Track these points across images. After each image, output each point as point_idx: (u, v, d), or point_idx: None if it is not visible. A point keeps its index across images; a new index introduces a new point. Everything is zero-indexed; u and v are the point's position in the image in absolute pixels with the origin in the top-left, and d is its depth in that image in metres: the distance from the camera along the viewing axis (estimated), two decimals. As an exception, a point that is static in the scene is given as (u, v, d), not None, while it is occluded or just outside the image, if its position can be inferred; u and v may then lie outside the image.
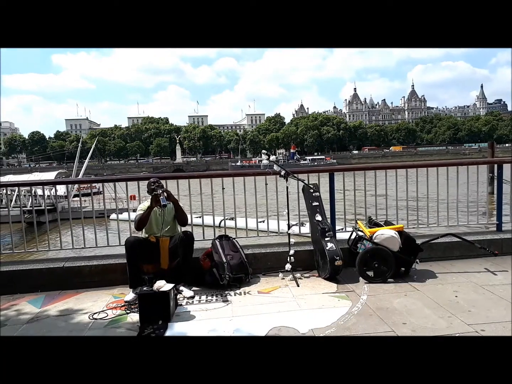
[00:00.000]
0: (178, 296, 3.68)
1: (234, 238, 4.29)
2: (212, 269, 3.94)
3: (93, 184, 17.30)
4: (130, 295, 3.76)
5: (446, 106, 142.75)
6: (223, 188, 4.54)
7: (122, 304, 3.64)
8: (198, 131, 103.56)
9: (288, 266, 4.08)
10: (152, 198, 3.83)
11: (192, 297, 3.72)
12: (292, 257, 4.10)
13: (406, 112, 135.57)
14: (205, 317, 3.29)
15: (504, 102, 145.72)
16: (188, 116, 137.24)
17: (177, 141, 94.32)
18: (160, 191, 3.79)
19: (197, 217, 4.75)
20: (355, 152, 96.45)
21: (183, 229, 4.08)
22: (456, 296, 3.47)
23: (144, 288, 3.42)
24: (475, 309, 3.19)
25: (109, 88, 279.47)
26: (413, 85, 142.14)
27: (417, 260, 4.06)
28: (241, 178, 4.68)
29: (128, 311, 3.49)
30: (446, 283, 3.82)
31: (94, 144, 40.66)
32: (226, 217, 4.66)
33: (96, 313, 3.47)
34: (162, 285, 3.36)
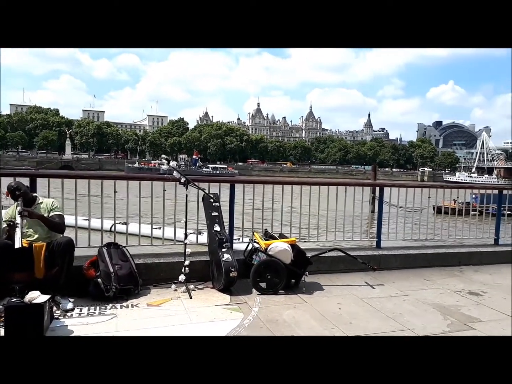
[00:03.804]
0: (54, 309, 3.28)
1: (124, 246, 3.99)
2: (97, 280, 3.60)
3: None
4: (-6, 307, 3.23)
5: (338, 129, 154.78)
6: (115, 192, 4.21)
7: (-17, 318, 3.11)
8: (93, 127, 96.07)
9: (182, 277, 3.92)
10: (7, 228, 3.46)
11: (72, 310, 3.35)
12: (187, 268, 3.96)
13: (303, 131, 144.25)
14: (85, 332, 2.98)
15: (386, 130, 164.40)
16: (83, 110, 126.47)
17: (68, 136, 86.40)
18: (19, 214, 3.37)
19: (84, 220, 4.31)
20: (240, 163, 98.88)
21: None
22: (339, 309, 3.70)
23: (14, 300, 2.97)
24: (356, 321, 3.43)
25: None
26: (311, 107, 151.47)
27: (307, 272, 4.25)
28: (137, 181, 4.41)
29: (-10, 326, 3.00)
30: (331, 296, 4.05)
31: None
32: (117, 222, 4.33)
33: None
34: (36, 297, 2.96)
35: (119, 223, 4.49)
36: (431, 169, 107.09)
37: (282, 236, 4.58)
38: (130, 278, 3.71)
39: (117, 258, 3.78)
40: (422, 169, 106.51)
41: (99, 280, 3.59)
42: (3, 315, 2.96)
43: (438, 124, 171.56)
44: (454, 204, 6.61)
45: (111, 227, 4.44)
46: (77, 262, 3.71)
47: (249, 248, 4.45)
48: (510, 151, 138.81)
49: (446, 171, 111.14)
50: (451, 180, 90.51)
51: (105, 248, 3.85)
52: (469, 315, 3.69)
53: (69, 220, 4.23)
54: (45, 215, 3.57)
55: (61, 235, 3.60)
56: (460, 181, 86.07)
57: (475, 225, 6.20)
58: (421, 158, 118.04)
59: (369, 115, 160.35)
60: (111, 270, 3.63)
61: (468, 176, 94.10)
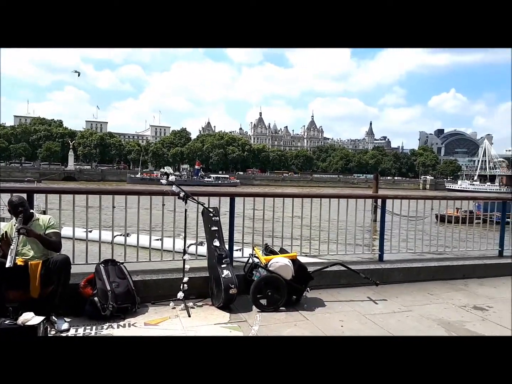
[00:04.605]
0: (50, 329, 3.21)
1: (122, 263, 3.92)
2: (93, 298, 3.52)
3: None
4: (-12, 328, 3.16)
5: (340, 138, 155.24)
6: (113, 207, 4.17)
7: (-24, 340, 3.04)
8: (96, 138, 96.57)
9: (180, 295, 3.85)
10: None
11: (67, 330, 3.28)
12: (185, 285, 3.89)
13: (305, 140, 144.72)
14: (80, 355, 2.89)
15: (388, 139, 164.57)
16: (86, 121, 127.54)
17: (71, 147, 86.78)
18: (16, 231, 3.31)
19: (83, 232, 4.24)
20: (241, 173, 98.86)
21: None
22: (342, 326, 3.61)
23: (7, 322, 2.91)
24: (358, 339, 3.33)
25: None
26: (312, 116, 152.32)
27: (308, 288, 4.17)
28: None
29: (-18, 349, 2.92)
30: (333, 312, 3.96)
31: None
32: (118, 234, 4.28)
33: None
34: (29, 318, 2.90)
35: (119, 235, 4.43)
36: (433, 177, 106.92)
37: (282, 250, 4.51)
38: (127, 296, 3.64)
39: (114, 276, 3.71)
40: (424, 178, 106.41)
41: (96, 298, 3.52)
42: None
43: (439, 132, 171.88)
44: (457, 212, 6.55)
45: (112, 241, 4.39)
46: (74, 279, 3.66)
47: (249, 263, 4.37)
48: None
49: (448, 179, 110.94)
50: (453, 188, 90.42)
51: (103, 265, 3.77)
52: (474, 331, 3.60)
53: (67, 232, 4.21)
54: (42, 232, 3.51)
55: (57, 254, 3.54)
56: (462, 189, 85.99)
57: (479, 234, 6.11)
58: (423, 167, 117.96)
59: (370, 123, 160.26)
60: (108, 288, 3.55)
61: (471, 184, 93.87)
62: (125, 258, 4.18)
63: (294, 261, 4.20)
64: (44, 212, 4.15)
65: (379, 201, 5.54)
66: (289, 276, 4.04)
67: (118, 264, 3.88)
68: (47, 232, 3.53)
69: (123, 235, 4.27)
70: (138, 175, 76.09)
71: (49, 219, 3.64)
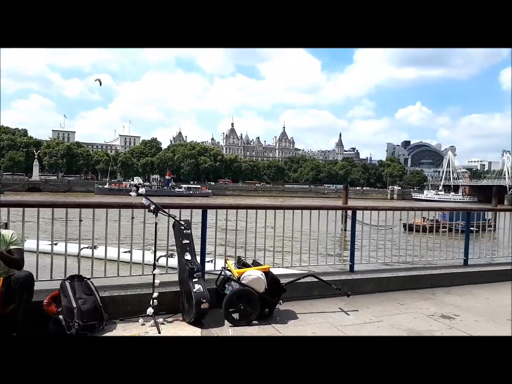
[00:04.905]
0: (10, 350, 3.03)
1: (89, 279, 3.78)
2: (58, 316, 3.37)
3: None
4: None
5: (310, 149, 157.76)
6: (80, 221, 4.02)
7: None
8: (62, 148, 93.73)
9: (150, 310, 3.73)
10: None
11: (29, 351, 3.11)
12: (155, 300, 3.78)
13: (277, 151, 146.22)
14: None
15: (357, 150, 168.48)
16: (52, 130, 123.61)
17: (36, 157, 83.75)
18: None
19: (48, 245, 4.06)
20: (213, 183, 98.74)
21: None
22: (314, 338, 3.60)
23: (-38, 343, 2.72)
24: (331, 351, 3.33)
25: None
26: (284, 127, 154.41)
27: (281, 301, 4.15)
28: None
29: None
30: (306, 324, 3.95)
31: None
32: (85, 246, 4.13)
33: None
34: (-13, 340, 2.73)
35: (86, 247, 4.27)
36: (400, 188, 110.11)
37: (255, 263, 4.48)
38: (94, 313, 3.49)
39: (80, 292, 3.56)
40: (391, 188, 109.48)
41: (61, 316, 3.36)
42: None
43: (406, 143, 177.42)
44: (424, 221, 6.75)
45: (78, 255, 4.24)
46: (37, 297, 3.49)
47: (221, 276, 4.31)
48: (474, 169, 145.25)
49: (415, 189, 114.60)
50: (420, 198, 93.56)
51: (68, 281, 3.61)
52: (443, 340, 3.67)
53: (31, 245, 4.02)
54: (3, 248, 3.33)
55: (19, 271, 3.36)
56: (428, 198, 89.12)
57: (445, 243, 6.30)
58: (390, 177, 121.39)
59: (340, 135, 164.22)
60: (74, 305, 3.40)
61: (436, 194, 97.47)
62: (92, 273, 4.03)
63: (267, 273, 4.18)
64: (6, 225, 3.96)
65: (350, 213, 5.62)
66: (262, 289, 4.01)
67: (85, 279, 3.73)
68: (10, 247, 3.36)
69: (90, 248, 4.12)
70: (106, 186, 74.10)
71: (12, 234, 3.47)
